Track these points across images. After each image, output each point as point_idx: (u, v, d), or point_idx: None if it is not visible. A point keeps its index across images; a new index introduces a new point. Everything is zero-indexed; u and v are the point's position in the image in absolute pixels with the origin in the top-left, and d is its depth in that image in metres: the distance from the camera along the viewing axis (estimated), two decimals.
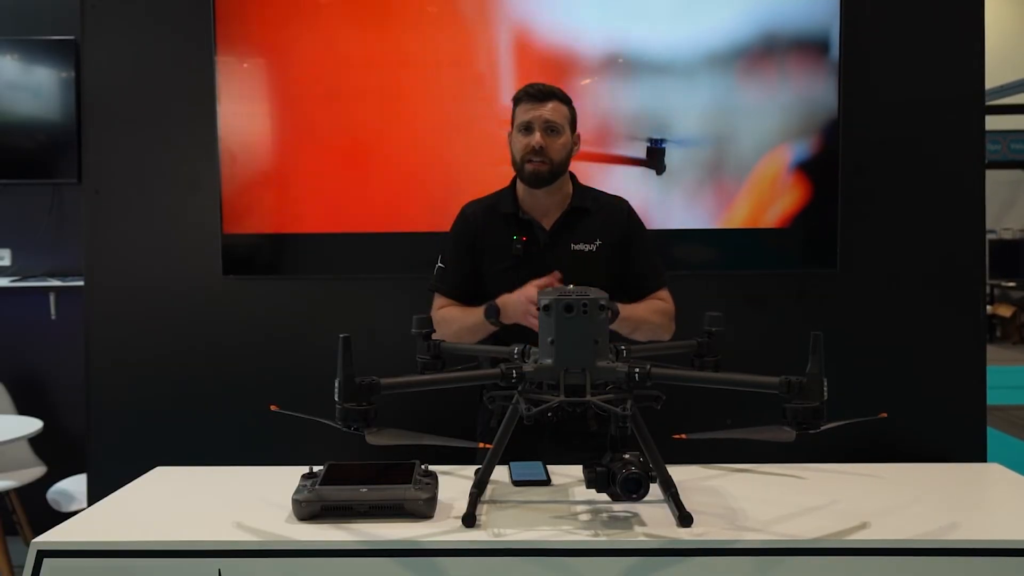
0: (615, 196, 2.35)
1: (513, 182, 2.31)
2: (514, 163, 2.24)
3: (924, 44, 2.80)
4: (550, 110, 2.18)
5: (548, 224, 2.26)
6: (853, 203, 2.77)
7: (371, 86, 2.76)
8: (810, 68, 2.73)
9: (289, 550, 1.54)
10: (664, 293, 2.29)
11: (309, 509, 1.62)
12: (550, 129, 2.18)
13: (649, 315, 2.21)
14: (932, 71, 2.80)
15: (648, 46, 2.74)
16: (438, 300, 2.30)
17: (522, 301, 2.07)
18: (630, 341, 2.08)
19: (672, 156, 2.76)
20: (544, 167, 2.18)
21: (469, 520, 1.59)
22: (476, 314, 2.19)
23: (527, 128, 2.19)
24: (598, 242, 2.25)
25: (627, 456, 1.64)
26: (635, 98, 2.75)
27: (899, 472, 1.99)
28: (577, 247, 2.23)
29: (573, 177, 2.31)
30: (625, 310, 2.13)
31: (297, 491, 1.65)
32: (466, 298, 2.28)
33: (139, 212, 2.84)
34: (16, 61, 4.00)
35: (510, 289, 2.16)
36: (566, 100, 2.23)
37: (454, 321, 2.21)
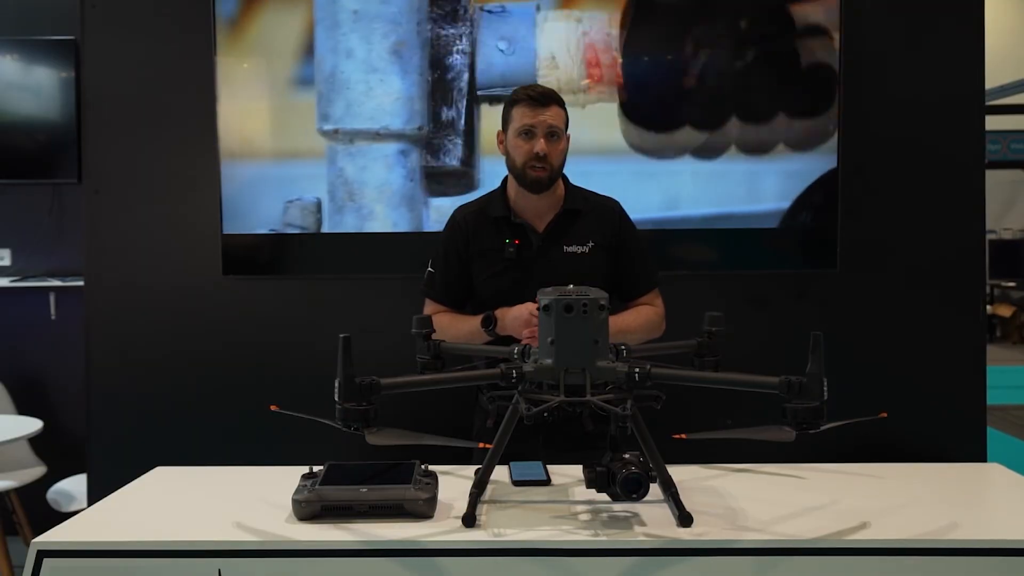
0: (606, 197, 2.34)
1: (503, 185, 2.30)
2: (512, 168, 2.22)
3: (924, 44, 2.80)
4: (552, 115, 2.16)
5: (540, 227, 2.25)
6: (853, 203, 2.78)
7: None
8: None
9: (289, 550, 1.54)
10: (654, 295, 2.29)
11: (309, 509, 1.62)
12: (551, 134, 2.16)
13: (635, 326, 2.21)
14: (932, 71, 2.80)
15: None
16: (429, 306, 2.30)
17: (523, 316, 2.07)
18: None
19: None
20: (545, 174, 2.17)
21: (469, 520, 1.59)
22: (471, 323, 2.19)
23: (529, 133, 2.16)
24: (591, 243, 2.24)
25: (627, 456, 1.64)
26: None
27: (899, 472, 1.99)
28: (570, 249, 2.23)
29: (565, 179, 2.30)
30: (612, 322, 2.12)
31: (297, 491, 1.65)
32: (457, 303, 2.28)
33: (139, 212, 2.83)
34: (16, 61, 4.00)
35: (503, 293, 2.16)
36: (563, 103, 2.21)
37: (447, 329, 2.19)
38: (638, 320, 2.23)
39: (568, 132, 2.24)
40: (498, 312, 2.15)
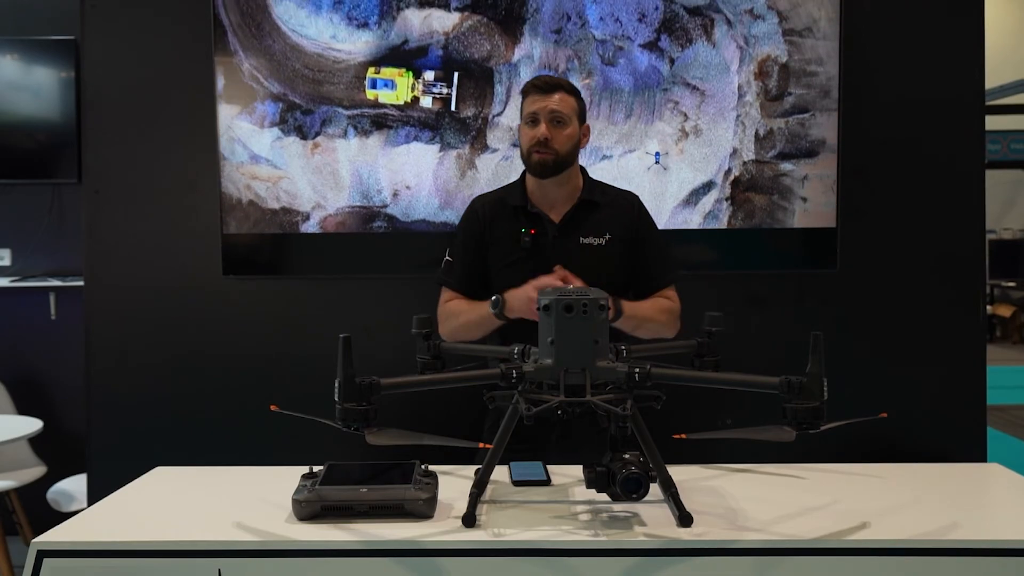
0: (625, 190, 2.35)
1: (523, 176, 2.31)
2: (521, 155, 2.25)
3: (924, 44, 2.80)
4: (556, 101, 2.18)
5: (557, 217, 2.25)
6: (853, 203, 2.78)
7: None
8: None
9: (289, 550, 1.54)
10: (671, 291, 2.29)
11: (309, 509, 1.62)
12: (556, 120, 2.18)
13: (654, 313, 2.20)
14: (932, 71, 2.80)
15: None
16: (445, 294, 2.30)
17: (528, 294, 2.08)
18: (633, 340, 2.08)
19: None
20: (549, 157, 2.18)
21: (469, 520, 1.59)
22: (482, 308, 2.19)
23: (533, 119, 2.19)
24: (607, 236, 2.24)
25: (627, 456, 1.64)
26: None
27: (899, 472, 1.99)
28: (586, 240, 2.23)
29: (584, 171, 2.31)
30: (629, 308, 2.12)
31: (297, 491, 1.65)
32: (473, 292, 2.27)
33: (139, 212, 2.83)
34: (16, 61, 4.01)
35: (518, 283, 2.16)
36: (573, 91, 2.23)
37: (460, 315, 2.21)
38: (654, 308, 2.22)
39: (586, 123, 2.26)
40: (506, 294, 2.15)
